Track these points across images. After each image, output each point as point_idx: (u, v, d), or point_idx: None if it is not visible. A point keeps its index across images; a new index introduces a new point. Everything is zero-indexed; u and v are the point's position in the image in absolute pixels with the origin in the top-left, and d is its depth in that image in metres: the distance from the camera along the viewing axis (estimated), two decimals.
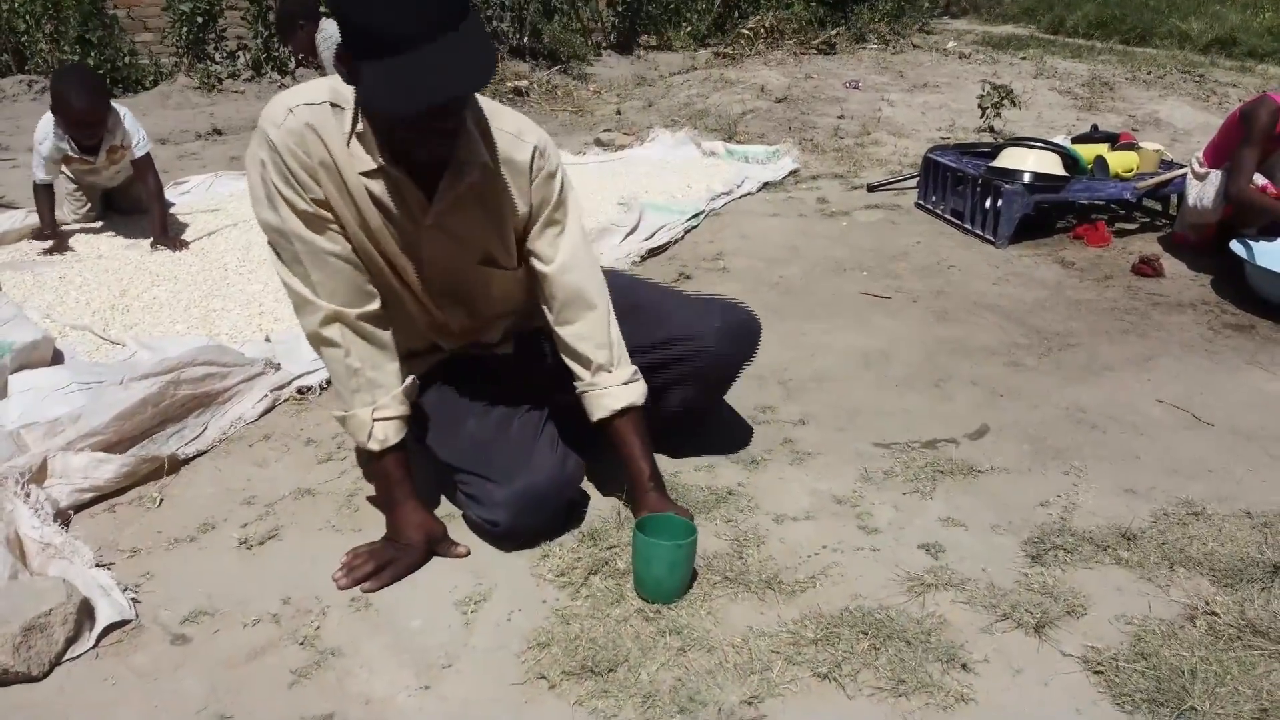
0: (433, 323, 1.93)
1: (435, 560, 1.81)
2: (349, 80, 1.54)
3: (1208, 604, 1.70)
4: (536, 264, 1.83)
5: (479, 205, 1.76)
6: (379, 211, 1.70)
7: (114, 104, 3.56)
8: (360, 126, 1.63)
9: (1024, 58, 7.83)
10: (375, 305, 1.75)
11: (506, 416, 1.91)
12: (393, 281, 1.81)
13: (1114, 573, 1.80)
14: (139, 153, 3.64)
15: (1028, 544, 1.88)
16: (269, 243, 1.73)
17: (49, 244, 3.59)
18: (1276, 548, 1.85)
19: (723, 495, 2.02)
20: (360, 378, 1.74)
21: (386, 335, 1.78)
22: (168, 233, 3.67)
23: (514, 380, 1.99)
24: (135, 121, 3.64)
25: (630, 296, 1.99)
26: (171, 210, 4.04)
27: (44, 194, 3.61)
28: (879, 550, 1.86)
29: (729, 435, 2.29)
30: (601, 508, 1.98)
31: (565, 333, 1.85)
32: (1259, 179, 3.16)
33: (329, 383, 2.54)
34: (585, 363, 1.85)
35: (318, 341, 1.75)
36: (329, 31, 4.46)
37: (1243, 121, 3.19)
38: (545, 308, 1.87)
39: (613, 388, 1.84)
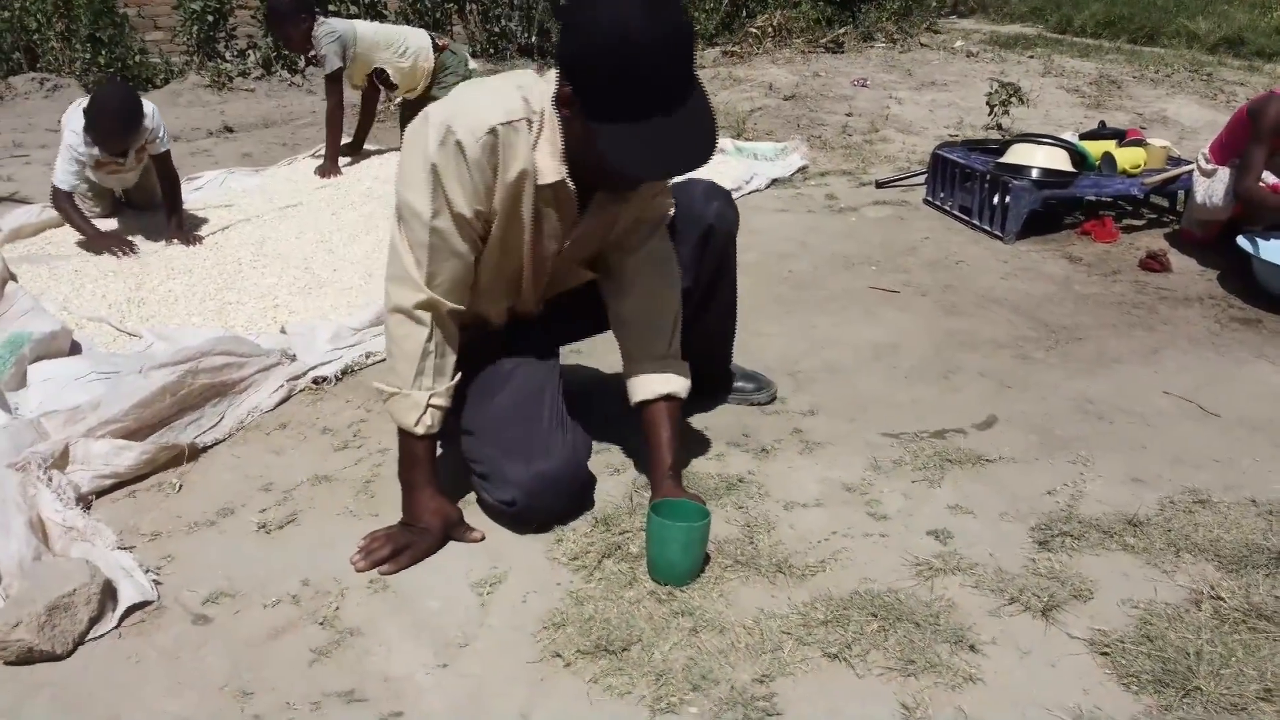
0: (512, 308, 2.01)
1: (452, 547, 1.83)
2: (569, 126, 1.63)
3: (1213, 589, 1.72)
4: (618, 251, 1.94)
5: (607, 215, 1.86)
6: (536, 217, 1.77)
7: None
8: (549, 140, 1.68)
9: (1031, 56, 7.84)
10: (463, 305, 1.81)
11: (525, 395, 1.94)
12: (509, 273, 1.89)
13: (1120, 558, 1.82)
14: (160, 149, 3.65)
15: (1035, 530, 1.90)
16: (400, 216, 1.74)
17: (114, 247, 3.51)
18: None
19: (733, 483, 2.05)
20: (429, 361, 1.77)
21: (456, 332, 1.83)
22: (183, 228, 3.70)
23: (528, 336, 2.04)
24: (159, 117, 3.64)
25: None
26: (185, 206, 4.08)
27: (69, 201, 3.57)
28: (888, 536, 1.88)
29: (739, 425, 2.32)
30: (614, 494, 2.00)
31: (630, 315, 1.95)
32: (1269, 177, 3.17)
33: (344, 373, 2.57)
34: (641, 345, 1.94)
35: (404, 315, 1.75)
36: (331, 27, 4.50)
37: (1250, 118, 3.21)
38: (613, 286, 1.96)
39: (661, 374, 1.92)
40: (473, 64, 5.10)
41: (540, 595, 1.69)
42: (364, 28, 4.69)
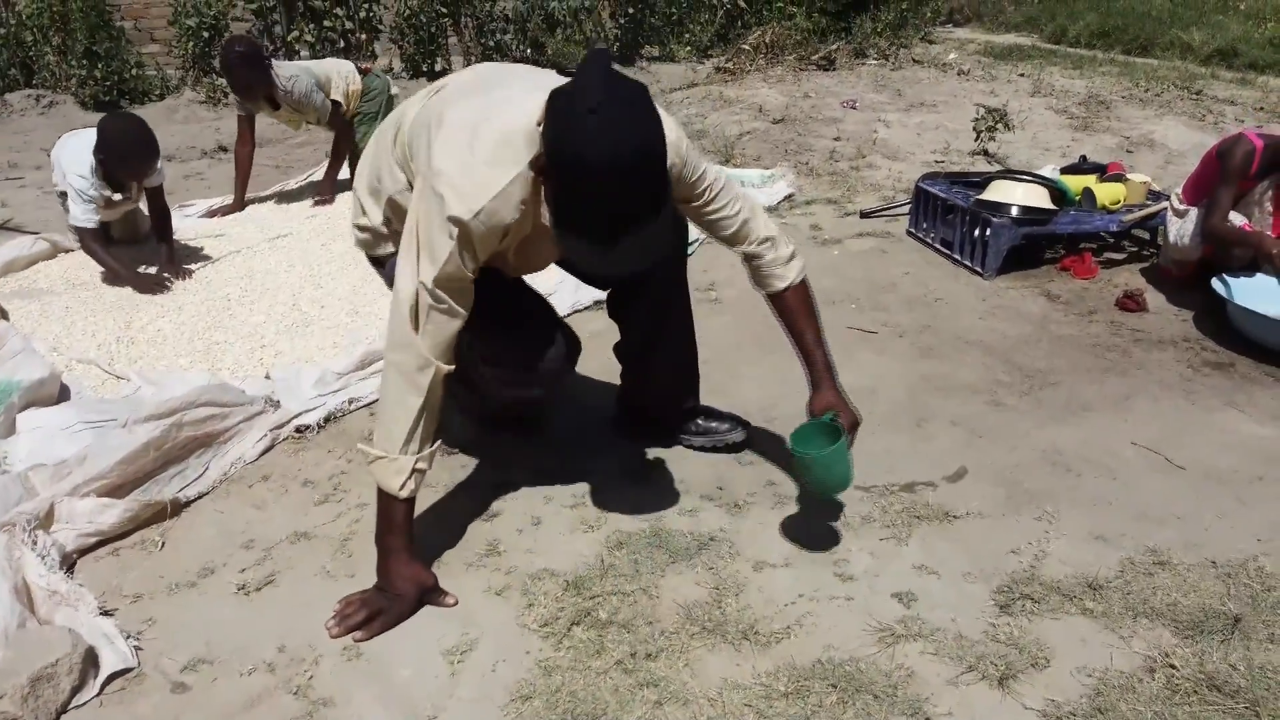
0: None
1: (425, 610, 1.88)
2: (546, 195, 1.72)
3: (1167, 656, 1.77)
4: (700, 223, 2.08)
5: None
6: (530, 242, 1.93)
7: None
8: (536, 202, 1.77)
9: (1022, 74, 7.88)
10: (452, 367, 1.86)
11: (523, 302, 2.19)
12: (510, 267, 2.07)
13: (1079, 623, 1.86)
14: (157, 180, 3.70)
15: (997, 593, 1.95)
16: (398, 284, 1.81)
17: (154, 285, 3.56)
18: (1238, 599, 1.92)
19: (705, 542, 2.09)
20: (419, 429, 1.83)
21: (443, 396, 1.88)
22: (175, 260, 3.74)
23: None
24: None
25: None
26: (176, 235, 4.12)
27: (97, 240, 3.60)
28: (853, 599, 1.92)
29: (715, 476, 2.36)
30: (586, 554, 2.05)
31: (744, 247, 2.09)
32: (1237, 218, 3.22)
33: (326, 421, 2.62)
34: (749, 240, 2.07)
35: (403, 378, 1.82)
36: (295, 76, 4.47)
37: (1219, 160, 3.25)
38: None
39: (781, 265, 2.08)
40: (394, 89, 5.11)
41: (509, 664, 1.74)
42: (311, 64, 4.75)
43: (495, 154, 1.73)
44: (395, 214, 2.01)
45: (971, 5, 14.23)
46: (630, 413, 2.57)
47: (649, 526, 2.14)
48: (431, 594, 1.89)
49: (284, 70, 4.47)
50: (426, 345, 1.80)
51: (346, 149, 4.75)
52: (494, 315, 2.03)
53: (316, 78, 4.62)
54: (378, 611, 1.83)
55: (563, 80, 1.72)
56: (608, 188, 1.57)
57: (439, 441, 1.92)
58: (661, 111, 1.76)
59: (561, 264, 2.31)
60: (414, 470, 1.85)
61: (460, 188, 1.72)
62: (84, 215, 3.53)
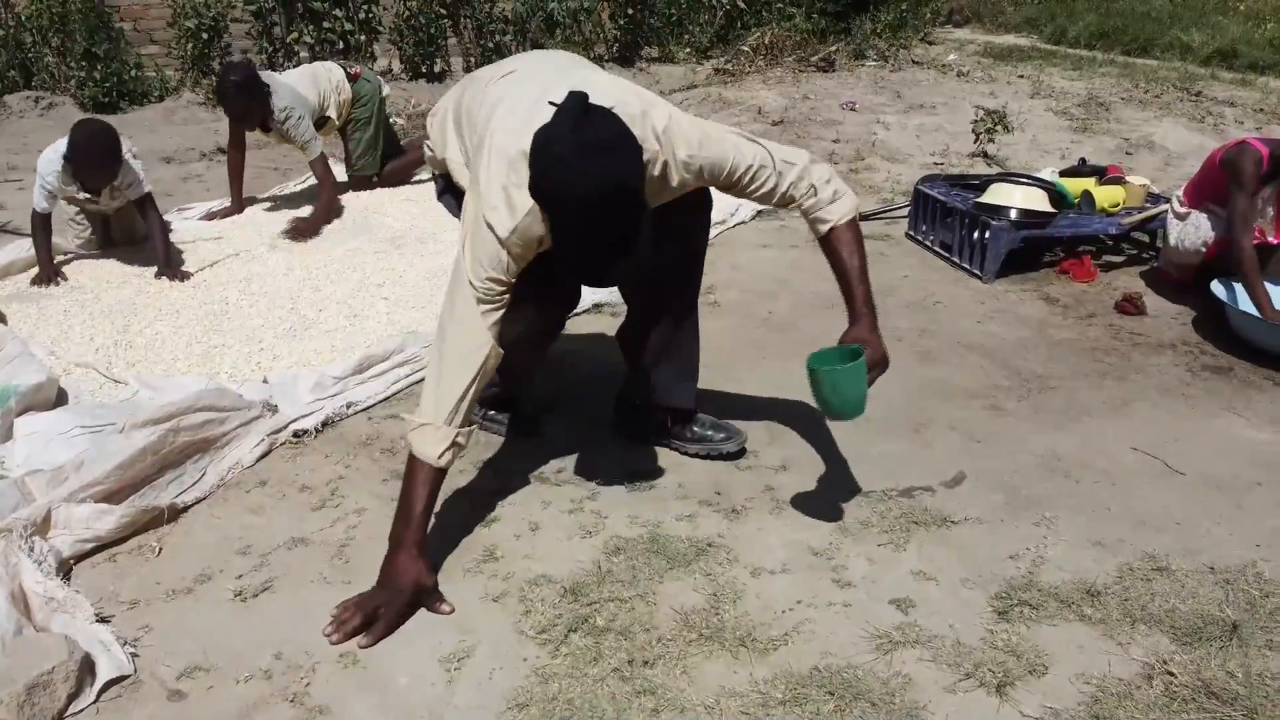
0: None
1: (422, 614, 1.88)
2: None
3: (1165, 663, 1.77)
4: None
5: None
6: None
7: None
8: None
9: (1021, 76, 7.88)
10: (503, 352, 1.97)
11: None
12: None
13: (1077, 630, 1.86)
14: (137, 193, 3.70)
15: (995, 599, 1.94)
16: (460, 278, 1.93)
17: (45, 279, 3.64)
18: (1236, 605, 1.92)
19: (703, 547, 2.09)
20: (466, 405, 1.93)
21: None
22: (172, 264, 3.74)
23: None
24: (136, 163, 3.70)
25: None
26: (172, 237, 4.11)
27: (42, 227, 3.65)
28: (851, 606, 1.92)
29: (712, 482, 2.36)
30: (583, 559, 2.05)
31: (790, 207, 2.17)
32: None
33: (324, 426, 2.61)
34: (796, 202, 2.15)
35: (460, 357, 1.92)
36: (291, 105, 4.36)
37: (1226, 169, 3.23)
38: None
39: (823, 208, 2.15)
40: (386, 89, 5.06)
41: (506, 671, 1.73)
42: (298, 85, 4.58)
43: (522, 176, 1.86)
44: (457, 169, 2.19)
45: (971, 6, 14.21)
46: (629, 414, 2.57)
47: (647, 532, 2.14)
48: (428, 597, 1.89)
49: (280, 100, 4.33)
50: (487, 323, 1.92)
51: (332, 195, 4.52)
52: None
53: (311, 106, 4.52)
54: (375, 613, 1.84)
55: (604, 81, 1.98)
56: (581, 224, 1.75)
57: (475, 426, 2.04)
58: (677, 117, 2.01)
59: None
60: (454, 443, 1.92)
61: (499, 209, 1.88)
62: (37, 198, 3.64)
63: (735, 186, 2.08)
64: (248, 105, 4.29)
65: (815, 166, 2.14)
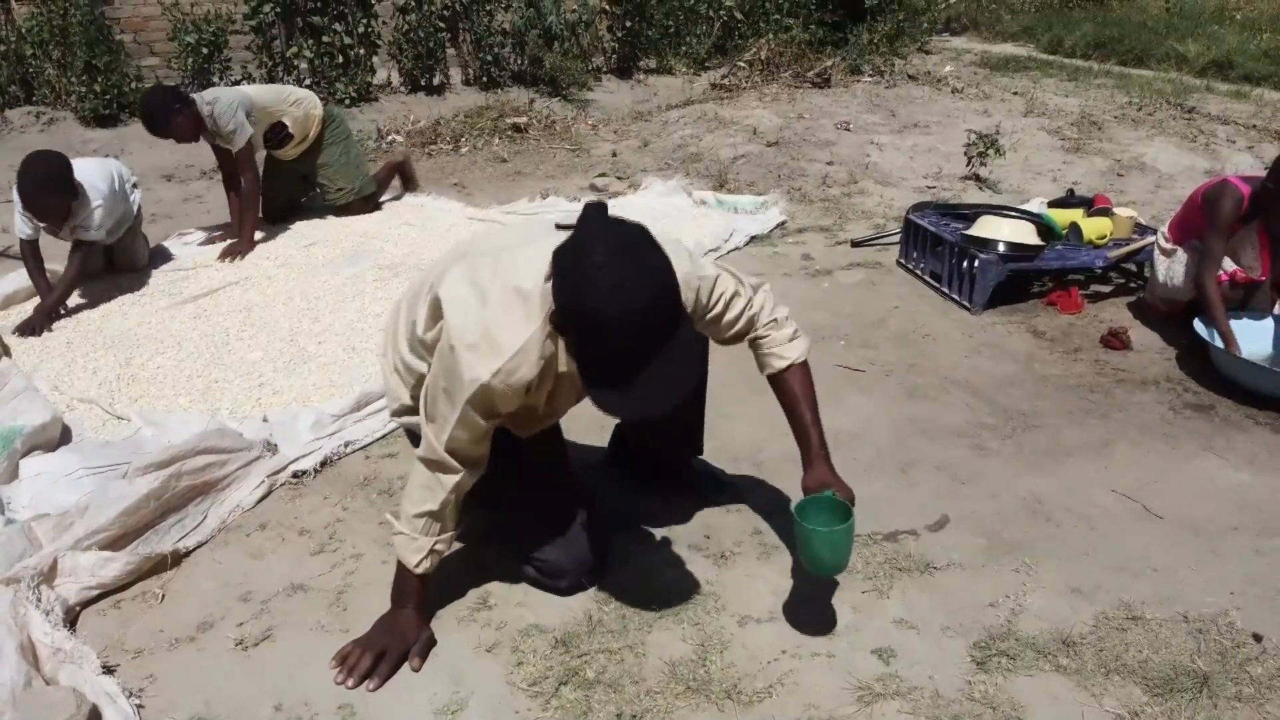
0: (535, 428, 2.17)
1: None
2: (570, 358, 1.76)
3: (1137, 715, 1.83)
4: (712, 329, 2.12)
5: None
6: (558, 391, 1.97)
7: (82, 179, 3.65)
8: (558, 351, 1.83)
9: (1015, 93, 7.93)
10: (481, 471, 1.98)
11: (569, 499, 2.20)
12: (545, 419, 2.11)
13: (1053, 680, 1.92)
14: (82, 235, 3.65)
15: (974, 648, 2.00)
16: (430, 415, 1.90)
17: (36, 324, 3.56)
18: (1208, 656, 1.98)
19: (691, 595, 2.15)
20: (443, 517, 1.97)
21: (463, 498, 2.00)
22: (48, 320, 3.60)
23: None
24: (98, 208, 3.67)
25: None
26: (174, 263, 4.18)
27: (31, 254, 3.66)
28: (834, 656, 1.98)
29: (702, 526, 2.42)
30: (575, 610, 2.10)
31: (749, 336, 2.16)
32: (1227, 264, 3.26)
33: (323, 465, 2.67)
34: (754, 329, 2.14)
35: (431, 475, 1.94)
36: (223, 95, 4.35)
37: (1205, 207, 3.29)
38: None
39: (781, 345, 2.13)
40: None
41: None
42: (251, 88, 4.64)
43: (509, 313, 1.78)
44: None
45: (969, 15, 14.30)
46: (622, 456, 2.63)
47: (637, 580, 2.20)
48: (421, 648, 1.96)
49: (220, 105, 4.28)
50: (454, 463, 1.92)
51: (258, 196, 4.53)
52: (538, 510, 2.17)
53: (252, 101, 4.46)
54: (380, 653, 1.92)
55: (562, 235, 1.74)
56: (628, 337, 1.60)
57: (461, 527, 2.06)
58: (673, 245, 1.82)
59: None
60: (432, 550, 1.97)
61: (478, 348, 1.78)
62: (18, 225, 3.64)
63: (710, 312, 2.04)
64: (163, 111, 4.22)
65: (772, 299, 2.15)
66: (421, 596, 2.02)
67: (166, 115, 4.21)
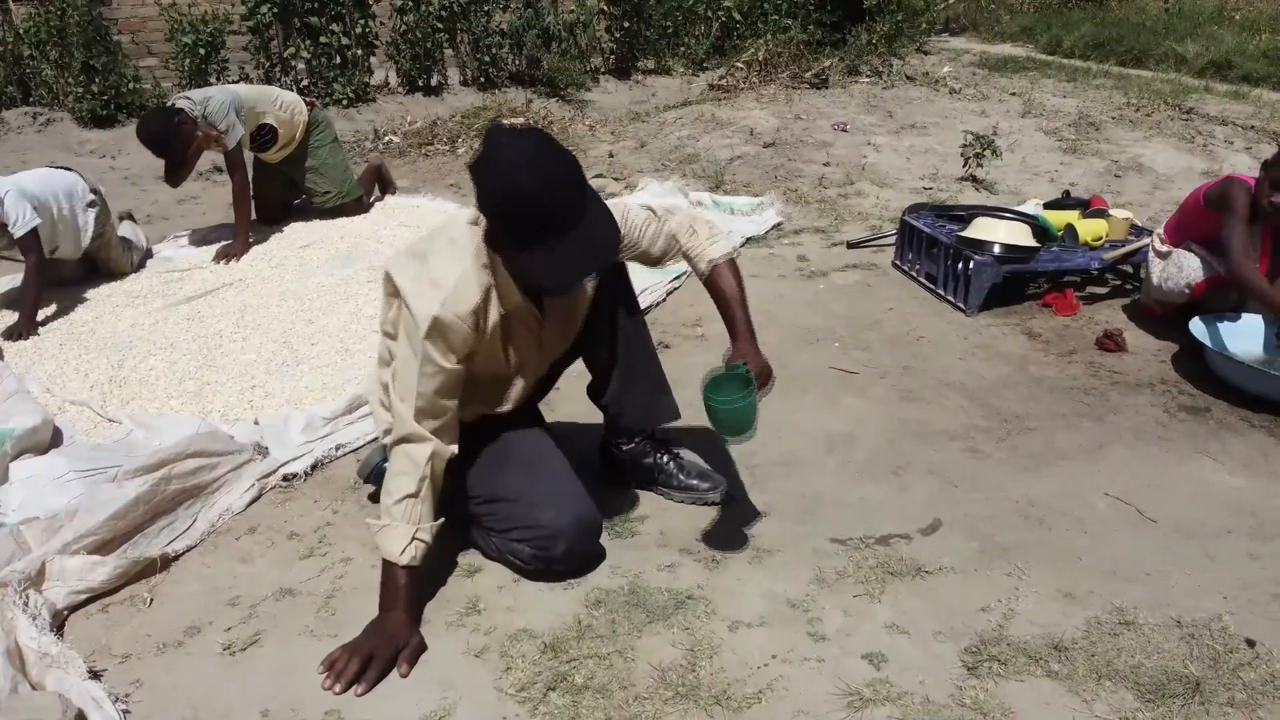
0: (509, 399, 2.29)
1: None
2: (501, 255, 1.98)
3: None
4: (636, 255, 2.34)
5: (566, 308, 2.26)
6: (513, 334, 2.14)
7: (3, 183, 3.54)
8: (505, 277, 2.03)
9: (1013, 94, 7.92)
10: (454, 449, 2.09)
11: (533, 458, 2.26)
12: (511, 379, 2.24)
13: (1044, 685, 1.91)
14: (16, 233, 3.55)
15: (966, 653, 1.99)
16: (395, 379, 2.04)
17: (15, 331, 3.53)
18: (1200, 661, 1.97)
19: (682, 600, 2.14)
20: (423, 502, 2.03)
21: (443, 475, 2.09)
22: (33, 322, 3.59)
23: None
24: (18, 199, 3.56)
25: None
26: (169, 267, 4.16)
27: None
28: (824, 661, 1.97)
29: (693, 529, 2.41)
30: (564, 613, 2.10)
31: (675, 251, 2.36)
32: (1211, 259, 3.25)
33: (314, 468, 2.66)
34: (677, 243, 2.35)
35: (409, 459, 2.03)
36: (214, 95, 4.29)
37: (1214, 205, 3.26)
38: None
39: (704, 248, 2.33)
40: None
41: None
42: (239, 88, 4.60)
43: (445, 258, 2.01)
44: None
45: (968, 15, 14.29)
46: (612, 460, 2.62)
47: (627, 584, 2.19)
48: (409, 653, 1.95)
49: (212, 104, 4.24)
50: (428, 429, 2.02)
51: (248, 195, 4.50)
52: (501, 479, 2.22)
53: (242, 100, 4.42)
54: (369, 657, 1.91)
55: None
56: (542, 191, 1.82)
57: (440, 521, 2.08)
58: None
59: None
60: (414, 539, 2.00)
61: (424, 293, 1.96)
62: None
63: (630, 238, 2.26)
64: (172, 131, 4.17)
65: (689, 219, 2.36)
66: (411, 596, 2.01)
67: (173, 137, 4.17)
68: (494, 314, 2.05)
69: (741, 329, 2.31)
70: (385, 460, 2.21)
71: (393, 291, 2.05)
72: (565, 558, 2.17)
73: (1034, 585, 2.21)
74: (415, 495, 2.01)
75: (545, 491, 2.19)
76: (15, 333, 3.49)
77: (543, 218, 1.84)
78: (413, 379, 1.99)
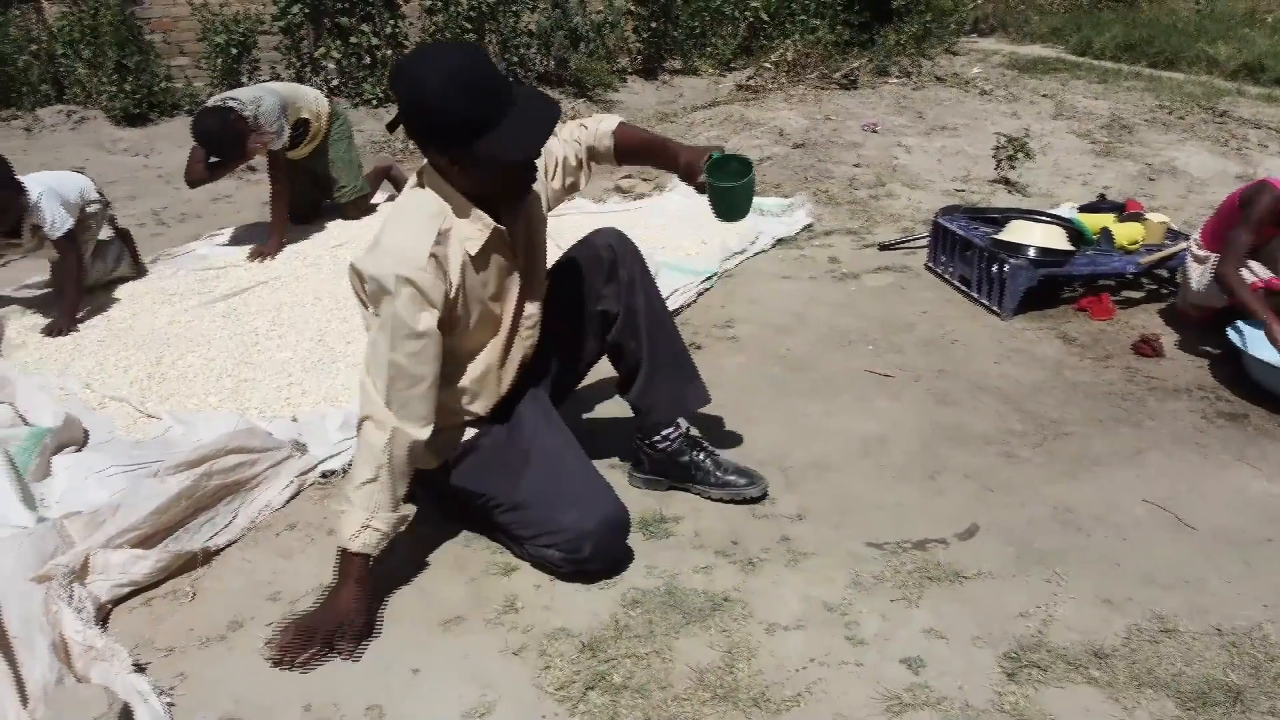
0: (508, 368, 2.32)
1: (446, 669, 1.95)
2: (460, 167, 2.01)
3: None
4: (562, 182, 2.42)
5: (532, 209, 2.29)
6: (492, 272, 2.15)
7: (31, 183, 3.53)
8: (463, 218, 2.07)
9: (1045, 95, 7.87)
10: (427, 433, 2.07)
11: (555, 459, 2.24)
12: (505, 329, 2.25)
13: (1084, 692, 1.90)
14: (53, 235, 3.56)
15: (1005, 659, 1.98)
16: (369, 354, 2.07)
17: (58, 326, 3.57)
18: (1241, 670, 1.96)
19: (719, 602, 2.14)
20: (380, 487, 2.02)
21: (411, 460, 2.05)
22: (74, 319, 3.62)
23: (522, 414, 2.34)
24: (54, 202, 3.57)
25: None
26: (205, 265, 4.21)
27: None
28: (863, 665, 1.97)
29: (729, 531, 2.41)
30: (601, 613, 2.10)
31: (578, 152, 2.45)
32: (1261, 270, 3.22)
33: (350, 466, 2.68)
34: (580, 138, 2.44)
35: (370, 443, 2.03)
36: (262, 98, 4.31)
37: (1242, 206, 3.26)
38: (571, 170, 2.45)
39: (594, 126, 2.44)
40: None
41: None
42: (278, 86, 4.61)
43: (393, 225, 2.07)
44: None
45: (997, 15, 14.20)
46: (647, 459, 2.61)
47: (663, 585, 2.19)
48: (348, 634, 1.99)
49: (263, 107, 4.25)
50: (394, 410, 2.02)
51: (286, 196, 4.52)
52: (522, 482, 2.20)
53: (283, 96, 4.45)
54: (312, 635, 1.97)
55: None
56: (469, 64, 1.92)
57: (403, 510, 2.09)
58: None
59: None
60: (367, 526, 2.01)
61: (379, 260, 2.00)
62: None
63: (552, 173, 2.37)
64: (230, 130, 4.22)
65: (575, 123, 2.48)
66: (362, 573, 2.04)
67: (236, 138, 4.22)
68: (457, 255, 2.06)
69: (672, 141, 2.45)
70: None
71: (358, 279, 2.07)
72: (594, 558, 2.16)
73: (1072, 591, 2.20)
74: (373, 480, 2.00)
75: (567, 493, 2.17)
76: (56, 329, 3.53)
77: (482, 92, 1.91)
78: (383, 351, 2.00)
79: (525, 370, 2.38)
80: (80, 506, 2.38)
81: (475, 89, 1.91)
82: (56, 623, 1.95)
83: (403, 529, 2.10)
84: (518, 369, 2.34)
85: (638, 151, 2.45)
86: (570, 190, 2.47)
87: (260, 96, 4.32)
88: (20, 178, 3.53)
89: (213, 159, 4.37)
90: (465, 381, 2.24)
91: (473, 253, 2.08)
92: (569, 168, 2.41)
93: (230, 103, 4.25)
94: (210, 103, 4.39)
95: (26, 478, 2.51)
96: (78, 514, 2.33)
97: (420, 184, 2.11)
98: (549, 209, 2.39)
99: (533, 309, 2.32)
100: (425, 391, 2.04)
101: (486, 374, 2.26)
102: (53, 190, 3.60)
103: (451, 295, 2.06)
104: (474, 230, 2.08)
